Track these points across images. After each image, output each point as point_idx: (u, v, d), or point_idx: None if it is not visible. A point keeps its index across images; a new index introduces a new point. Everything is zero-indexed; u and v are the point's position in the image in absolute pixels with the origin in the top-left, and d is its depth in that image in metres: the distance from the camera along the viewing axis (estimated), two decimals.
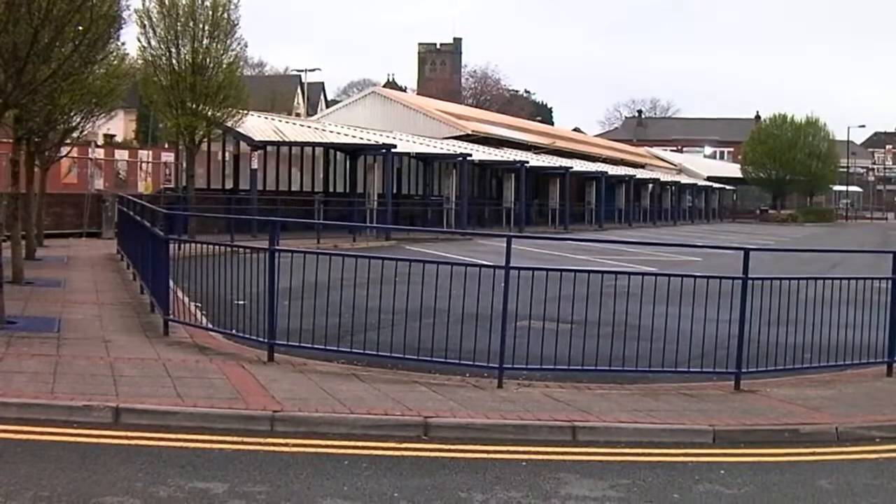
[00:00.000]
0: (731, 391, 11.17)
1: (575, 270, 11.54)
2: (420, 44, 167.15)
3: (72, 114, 22.22)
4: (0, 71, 12.51)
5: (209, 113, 30.95)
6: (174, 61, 30.13)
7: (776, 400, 10.82)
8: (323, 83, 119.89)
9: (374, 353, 11.20)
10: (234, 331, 12.33)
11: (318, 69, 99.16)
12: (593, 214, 63.20)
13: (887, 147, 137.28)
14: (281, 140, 40.76)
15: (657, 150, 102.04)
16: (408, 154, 48.25)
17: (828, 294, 12.02)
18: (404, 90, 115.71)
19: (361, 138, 45.07)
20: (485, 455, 8.39)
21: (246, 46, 32.34)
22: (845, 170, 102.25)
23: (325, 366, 11.39)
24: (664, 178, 79.66)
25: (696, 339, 11.17)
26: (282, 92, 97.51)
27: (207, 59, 30.40)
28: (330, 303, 11.95)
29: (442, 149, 50.95)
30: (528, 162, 54.61)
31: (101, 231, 32.23)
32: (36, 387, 9.38)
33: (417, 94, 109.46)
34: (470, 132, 60.55)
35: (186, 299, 14.02)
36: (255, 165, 38.56)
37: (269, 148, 40.51)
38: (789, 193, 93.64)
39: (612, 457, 8.56)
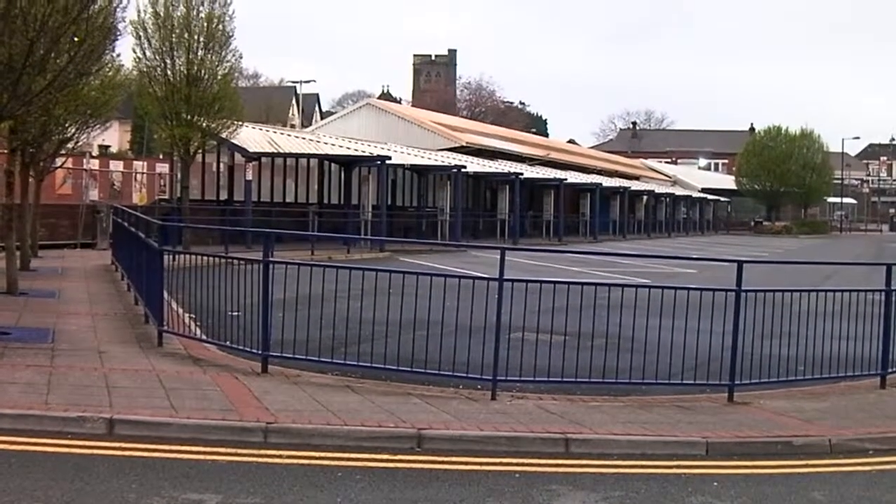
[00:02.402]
0: (724, 403, 11.19)
1: (569, 282, 11.53)
2: (415, 55, 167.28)
3: (67, 125, 22.23)
4: None
5: (204, 124, 30.97)
6: (169, 72, 30.15)
7: (769, 412, 10.83)
8: (318, 94, 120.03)
9: (368, 364, 11.20)
10: (228, 342, 12.33)
11: (313, 80, 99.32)
12: (588, 226, 63.24)
13: (882, 159, 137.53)
14: (275, 151, 40.78)
15: (652, 162, 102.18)
16: (402, 166, 48.31)
17: (821, 306, 12.05)
18: (399, 102, 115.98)
19: (356, 150, 45.11)
20: (478, 467, 8.39)
21: (241, 58, 32.38)
22: (840, 181, 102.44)
23: (319, 377, 11.39)
24: (659, 189, 79.77)
25: (690, 351, 11.18)
26: (276, 103, 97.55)
27: (202, 71, 30.43)
28: (324, 314, 11.97)
29: (436, 160, 51.00)
30: (522, 174, 54.65)
31: (95, 242, 32.20)
32: (30, 398, 9.38)
33: (412, 105, 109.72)
34: (464, 144, 60.61)
35: (181, 310, 14.03)
36: (249, 177, 38.58)
37: (263, 159, 40.54)
38: (784, 205, 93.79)
39: (605, 469, 8.57)
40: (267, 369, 11.47)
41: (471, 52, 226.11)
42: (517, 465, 8.50)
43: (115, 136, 61.81)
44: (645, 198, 75.76)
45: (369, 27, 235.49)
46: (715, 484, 8.25)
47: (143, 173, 39.84)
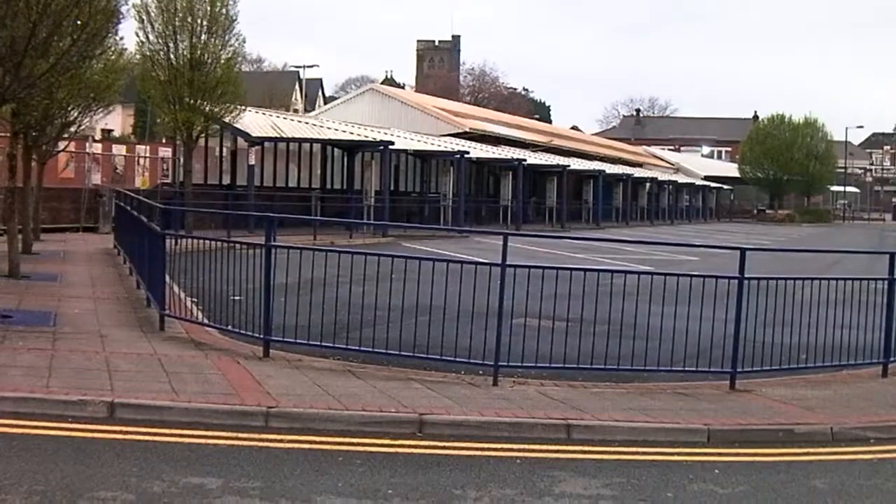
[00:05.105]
0: (726, 391, 11.19)
1: (571, 269, 11.52)
2: (418, 41, 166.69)
3: (69, 108, 22.17)
4: None
5: (207, 108, 30.94)
6: (172, 56, 30.14)
7: (771, 400, 10.83)
8: (321, 79, 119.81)
9: (370, 349, 11.20)
10: (229, 326, 12.32)
11: (317, 65, 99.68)
12: (590, 213, 63.18)
13: (885, 148, 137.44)
14: (278, 136, 40.73)
15: (655, 150, 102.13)
16: (405, 151, 48.28)
17: (824, 294, 12.03)
18: (402, 87, 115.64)
19: (359, 135, 45.04)
20: (479, 452, 8.39)
21: (244, 42, 32.37)
22: (843, 170, 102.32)
23: (321, 362, 11.39)
24: (662, 177, 79.70)
25: (692, 339, 11.17)
26: (280, 88, 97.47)
27: (205, 55, 30.42)
28: (326, 299, 11.95)
29: (439, 146, 50.96)
30: (525, 160, 54.58)
31: (97, 226, 32.19)
32: (31, 381, 9.38)
33: (415, 91, 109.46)
34: (468, 130, 60.54)
35: (182, 294, 14.02)
36: (252, 161, 38.53)
37: (266, 144, 40.47)
38: (787, 193, 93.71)
39: (607, 455, 8.57)
40: (269, 354, 11.47)
41: (474, 38, 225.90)
42: (519, 450, 8.50)
43: (117, 120, 61.80)
44: (648, 185, 75.69)
45: (373, 12, 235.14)
46: (716, 471, 8.24)
47: (145, 157, 39.81)
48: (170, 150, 39.12)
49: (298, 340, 11.49)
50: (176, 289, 13.95)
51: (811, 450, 9.10)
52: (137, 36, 29.85)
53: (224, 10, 30.67)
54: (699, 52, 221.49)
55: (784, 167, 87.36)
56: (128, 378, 9.86)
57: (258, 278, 11.51)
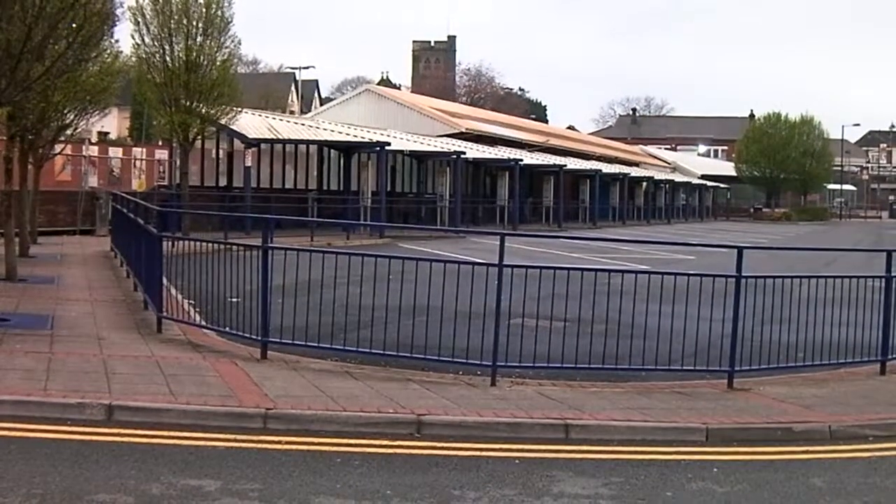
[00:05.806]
0: (724, 389, 11.19)
1: (568, 268, 11.50)
2: (414, 41, 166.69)
3: (65, 111, 22.20)
4: None
5: (203, 110, 30.91)
6: (168, 58, 30.10)
7: (769, 398, 10.83)
8: (317, 81, 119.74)
9: (368, 350, 11.19)
10: (227, 328, 12.32)
11: (313, 67, 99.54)
12: (587, 212, 63.22)
13: (882, 146, 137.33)
14: (275, 138, 40.71)
15: (651, 149, 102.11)
16: (402, 152, 48.27)
17: (821, 293, 12.03)
18: (398, 88, 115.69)
19: (355, 136, 45.03)
20: (478, 453, 8.38)
21: (240, 44, 32.33)
22: (839, 168, 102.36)
23: (319, 363, 11.38)
24: (658, 176, 79.70)
25: (690, 338, 11.16)
26: (276, 89, 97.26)
27: (201, 57, 30.37)
28: (323, 300, 11.96)
29: (436, 146, 50.95)
30: (522, 160, 54.59)
31: (94, 229, 32.18)
32: (29, 384, 9.37)
33: (411, 91, 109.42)
34: (464, 130, 60.54)
35: (180, 296, 14.01)
36: (248, 163, 38.53)
37: (262, 145, 40.47)
38: (783, 192, 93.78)
39: (605, 455, 8.56)
40: (266, 355, 11.45)
41: (470, 39, 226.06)
42: (517, 451, 8.49)
43: (114, 122, 61.62)
44: (644, 184, 75.70)
45: (369, 13, 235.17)
46: (715, 470, 8.24)
47: (142, 160, 39.80)
48: (166, 152, 39.09)
49: (296, 342, 11.47)
50: (173, 291, 13.95)
51: (810, 448, 9.09)
52: (133, 38, 29.84)
53: (219, 13, 30.64)
54: (695, 51, 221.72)
55: (780, 165, 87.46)
56: (125, 380, 9.84)
57: (255, 280, 11.50)
